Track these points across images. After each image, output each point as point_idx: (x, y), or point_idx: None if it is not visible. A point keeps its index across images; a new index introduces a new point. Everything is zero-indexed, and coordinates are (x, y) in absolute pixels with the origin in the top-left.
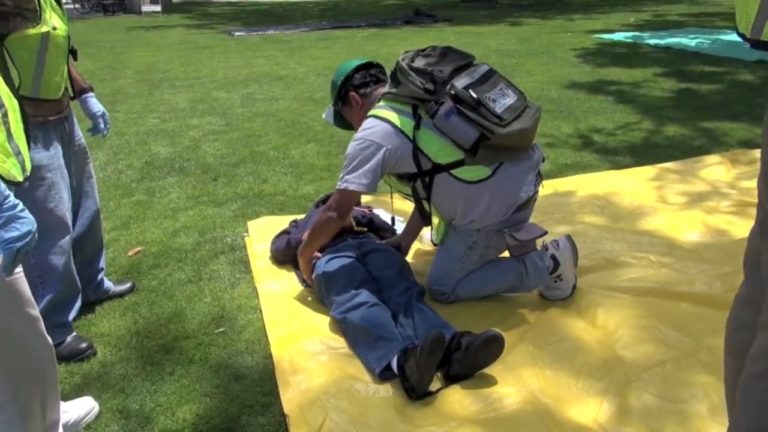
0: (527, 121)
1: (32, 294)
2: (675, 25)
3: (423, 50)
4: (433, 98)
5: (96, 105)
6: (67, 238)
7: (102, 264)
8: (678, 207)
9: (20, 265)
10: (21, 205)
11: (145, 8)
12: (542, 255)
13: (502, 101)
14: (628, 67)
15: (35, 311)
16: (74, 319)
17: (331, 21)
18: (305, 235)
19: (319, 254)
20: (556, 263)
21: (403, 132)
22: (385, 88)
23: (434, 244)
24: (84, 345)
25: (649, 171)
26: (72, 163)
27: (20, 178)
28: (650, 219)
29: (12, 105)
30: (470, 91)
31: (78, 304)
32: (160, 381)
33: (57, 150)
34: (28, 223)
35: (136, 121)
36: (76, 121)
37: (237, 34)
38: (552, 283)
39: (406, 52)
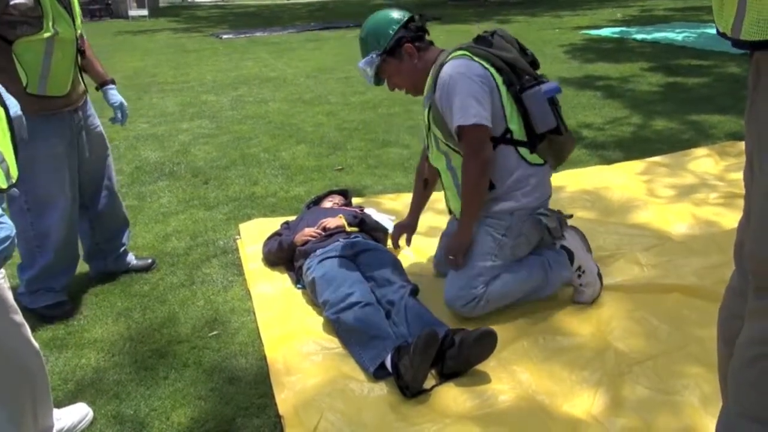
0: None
1: (29, 261)
2: (661, 20)
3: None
4: (532, 72)
5: (114, 96)
6: (62, 214)
7: (125, 240)
8: (667, 200)
9: (3, 271)
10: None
11: (132, 12)
12: (555, 249)
13: None
14: (616, 63)
15: (19, 317)
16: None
17: (320, 22)
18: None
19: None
20: (570, 253)
21: (496, 83)
22: (459, 49)
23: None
24: (67, 308)
25: (638, 165)
26: (87, 148)
27: (3, 186)
28: (640, 212)
29: None
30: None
31: (71, 272)
32: (154, 386)
33: (58, 138)
34: (5, 228)
35: (125, 126)
36: (92, 111)
37: (225, 36)
38: (577, 280)
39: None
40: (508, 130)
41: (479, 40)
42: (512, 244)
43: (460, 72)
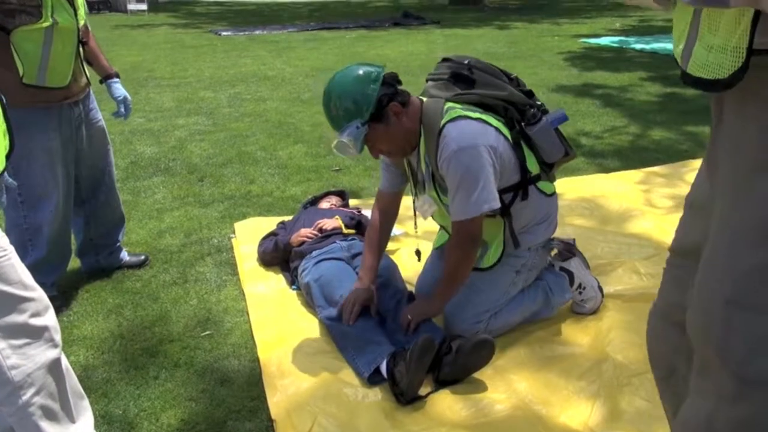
0: None
1: (21, 254)
2: (660, 31)
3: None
4: (533, 103)
5: (118, 90)
6: (56, 208)
7: (120, 236)
8: (665, 210)
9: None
10: None
11: (131, 6)
12: (555, 271)
13: None
14: (615, 71)
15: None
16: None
17: (319, 22)
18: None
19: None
20: (570, 274)
21: (501, 133)
22: (443, 91)
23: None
24: (56, 304)
25: (636, 174)
26: (86, 142)
27: None
28: (638, 222)
29: None
30: None
31: (63, 268)
32: (144, 385)
33: (55, 132)
34: None
35: (120, 120)
36: (95, 104)
37: (224, 33)
38: (578, 297)
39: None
40: (527, 171)
41: (458, 78)
42: (525, 278)
43: (463, 148)
